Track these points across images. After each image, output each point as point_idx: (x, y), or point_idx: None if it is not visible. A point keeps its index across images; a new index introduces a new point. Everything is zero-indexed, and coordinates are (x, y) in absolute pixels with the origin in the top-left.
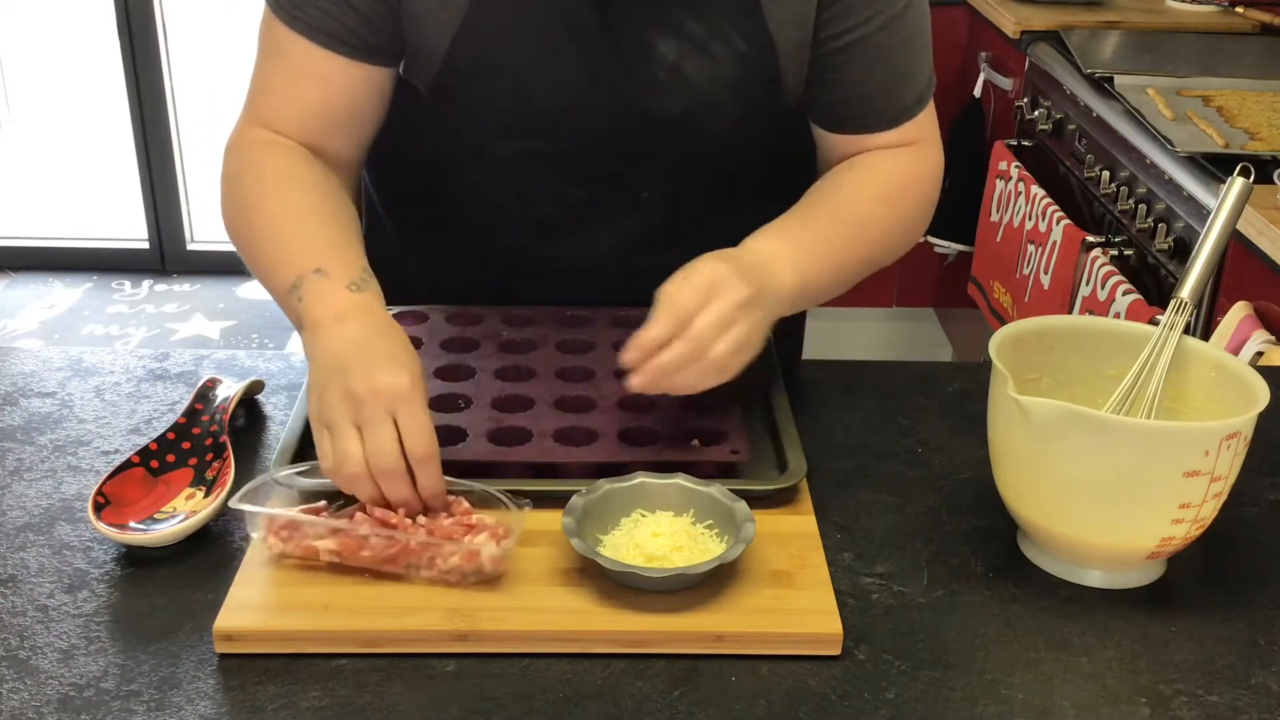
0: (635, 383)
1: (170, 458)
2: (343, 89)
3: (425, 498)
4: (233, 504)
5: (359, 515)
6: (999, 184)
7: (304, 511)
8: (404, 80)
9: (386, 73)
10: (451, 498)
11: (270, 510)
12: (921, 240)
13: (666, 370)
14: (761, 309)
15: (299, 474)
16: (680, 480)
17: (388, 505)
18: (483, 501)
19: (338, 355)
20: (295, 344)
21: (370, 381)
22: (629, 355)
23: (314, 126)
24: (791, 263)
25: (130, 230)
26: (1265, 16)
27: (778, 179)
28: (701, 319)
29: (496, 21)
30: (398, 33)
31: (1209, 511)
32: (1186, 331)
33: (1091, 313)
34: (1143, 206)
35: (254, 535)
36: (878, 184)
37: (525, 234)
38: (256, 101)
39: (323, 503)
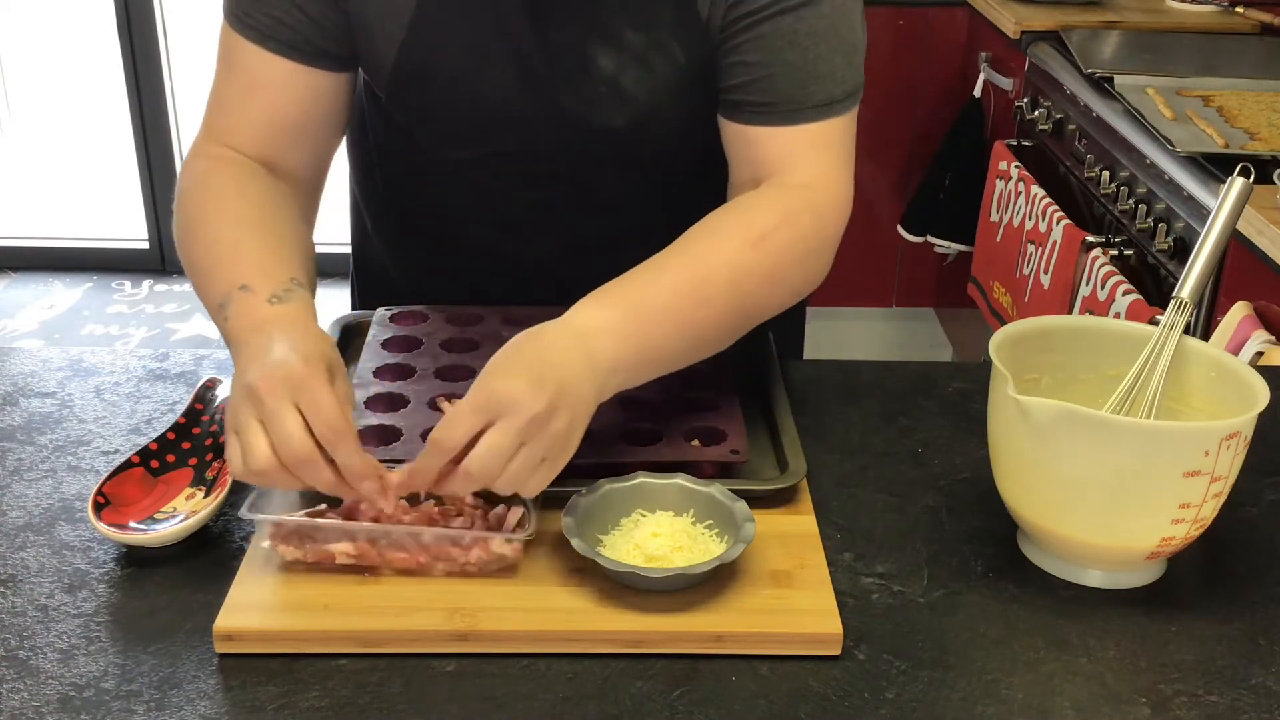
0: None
1: (170, 458)
2: (295, 97)
3: (349, 479)
4: (242, 513)
5: (366, 519)
6: (999, 184)
7: (309, 515)
8: (370, 85)
9: (339, 79)
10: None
11: (281, 518)
12: (922, 240)
13: (458, 491)
14: (565, 413)
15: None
16: (680, 480)
17: (319, 495)
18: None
19: (247, 364)
20: None
21: (264, 373)
22: (411, 482)
23: (268, 139)
24: (619, 333)
25: (130, 230)
26: (1265, 16)
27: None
28: (474, 456)
29: (438, 31)
30: (348, 38)
31: (1209, 511)
32: (1186, 331)
33: (1091, 313)
34: (1143, 206)
35: (263, 544)
36: (745, 224)
37: (487, 234)
38: (212, 118)
39: (323, 506)
